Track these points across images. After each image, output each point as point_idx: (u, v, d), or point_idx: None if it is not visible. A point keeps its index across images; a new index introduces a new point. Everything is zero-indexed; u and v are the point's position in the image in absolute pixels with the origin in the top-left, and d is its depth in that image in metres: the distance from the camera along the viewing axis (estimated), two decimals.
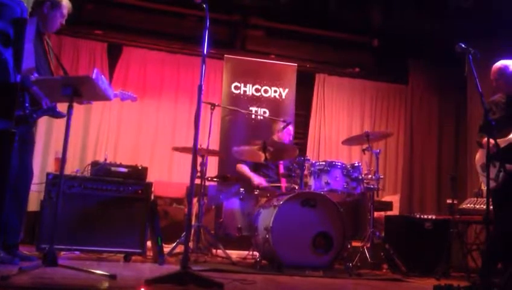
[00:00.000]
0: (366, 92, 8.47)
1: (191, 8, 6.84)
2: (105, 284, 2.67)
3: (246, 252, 5.14)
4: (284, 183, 5.43)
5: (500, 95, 4.14)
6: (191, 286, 2.66)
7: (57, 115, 3.70)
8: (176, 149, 5.15)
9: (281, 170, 5.60)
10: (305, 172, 4.68)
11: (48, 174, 4.03)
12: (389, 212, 6.20)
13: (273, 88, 7.67)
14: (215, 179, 5.53)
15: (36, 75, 3.40)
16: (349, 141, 5.54)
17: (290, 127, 5.76)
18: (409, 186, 7.76)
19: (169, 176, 7.53)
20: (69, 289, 2.51)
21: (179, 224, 6.18)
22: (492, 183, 3.59)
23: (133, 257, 4.15)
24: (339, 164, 4.67)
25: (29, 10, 3.63)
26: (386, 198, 7.14)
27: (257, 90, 7.63)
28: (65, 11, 3.82)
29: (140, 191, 4.20)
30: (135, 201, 4.18)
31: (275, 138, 5.70)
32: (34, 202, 5.63)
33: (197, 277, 2.76)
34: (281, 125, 5.61)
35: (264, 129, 6.77)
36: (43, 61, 3.69)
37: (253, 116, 7.42)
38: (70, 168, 4.67)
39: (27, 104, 3.44)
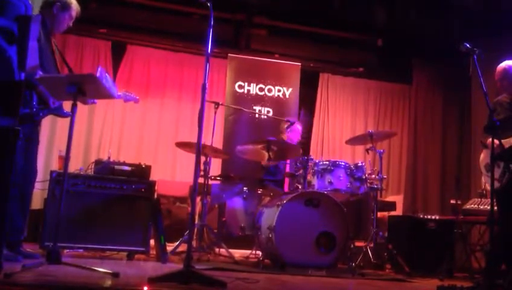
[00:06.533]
0: (370, 92, 8.47)
1: (195, 7, 6.84)
2: (108, 282, 2.66)
3: (248, 251, 5.15)
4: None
5: (505, 95, 4.12)
6: (193, 284, 2.65)
7: (62, 114, 3.70)
8: (179, 145, 5.05)
9: (287, 169, 5.59)
10: (309, 171, 4.68)
11: (51, 172, 4.03)
12: (392, 213, 6.18)
13: (277, 87, 7.66)
14: (218, 178, 5.53)
15: (40, 73, 3.40)
16: (353, 141, 5.54)
17: (298, 127, 5.74)
18: (413, 186, 7.75)
19: (172, 174, 7.54)
20: (72, 287, 2.51)
21: (182, 223, 6.18)
22: (496, 184, 3.58)
23: (136, 255, 4.15)
24: (343, 163, 4.67)
25: (35, 9, 3.63)
26: (390, 198, 7.12)
27: (261, 89, 7.62)
28: (74, 14, 3.82)
29: (143, 190, 4.20)
30: (138, 199, 4.17)
31: (284, 137, 5.69)
32: (37, 200, 5.64)
33: (200, 276, 2.76)
34: (285, 125, 5.60)
35: (268, 128, 6.77)
36: (50, 61, 3.69)
37: (256, 115, 7.42)
38: (73, 166, 4.67)
39: (34, 103, 3.45)
